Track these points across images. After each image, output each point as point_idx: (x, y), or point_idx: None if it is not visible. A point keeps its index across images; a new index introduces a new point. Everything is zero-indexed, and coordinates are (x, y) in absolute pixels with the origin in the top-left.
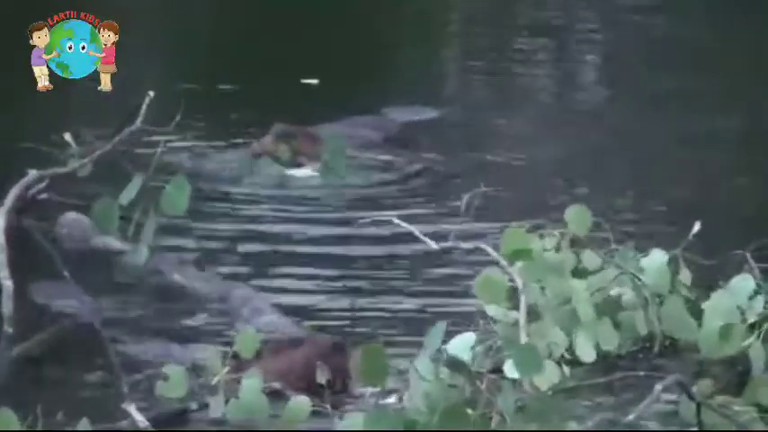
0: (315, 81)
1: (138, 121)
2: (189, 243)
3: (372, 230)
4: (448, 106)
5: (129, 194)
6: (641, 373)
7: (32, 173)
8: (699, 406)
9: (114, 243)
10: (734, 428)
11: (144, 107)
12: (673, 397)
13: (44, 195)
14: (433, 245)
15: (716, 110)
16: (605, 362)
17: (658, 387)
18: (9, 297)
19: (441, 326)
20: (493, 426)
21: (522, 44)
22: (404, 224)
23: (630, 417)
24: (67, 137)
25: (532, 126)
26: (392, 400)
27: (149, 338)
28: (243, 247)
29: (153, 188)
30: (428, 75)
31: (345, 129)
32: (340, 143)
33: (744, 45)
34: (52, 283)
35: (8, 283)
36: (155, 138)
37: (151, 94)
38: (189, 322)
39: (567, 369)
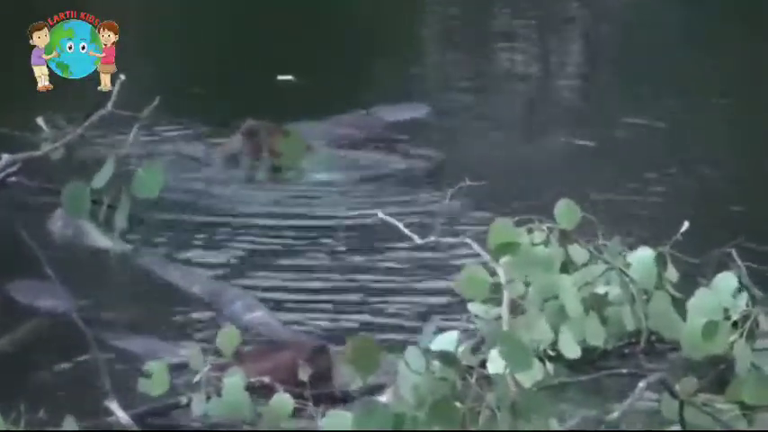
0: (290, 78)
1: (110, 105)
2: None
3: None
4: (433, 102)
5: (102, 178)
6: (624, 371)
7: (5, 157)
8: (682, 404)
9: (102, 241)
10: (717, 427)
11: (116, 91)
12: (656, 396)
13: (14, 179)
14: (417, 239)
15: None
16: (590, 359)
17: (642, 385)
18: None
19: (434, 320)
20: (481, 421)
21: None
22: (389, 219)
23: (614, 414)
24: (40, 121)
25: (516, 118)
26: (385, 398)
27: (137, 335)
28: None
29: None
30: (412, 71)
31: (327, 127)
32: (298, 139)
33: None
34: (28, 280)
35: None
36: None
37: (122, 77)
38: (178, 320)
39: (550, 366)
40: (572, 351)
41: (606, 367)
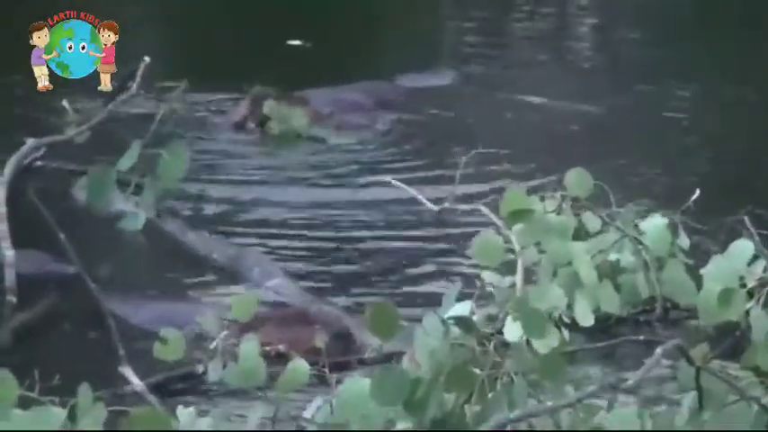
0: (301, 42)
1: (134, 87)
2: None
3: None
4: (451, 70)
5: (127, 161)
6: (641, 338)
7: (30, 141)
8: (698, 370)
9: (128, 207)
10: (733, 394)
11: (139, 73)
12: (670, 362)
13: (40, 163)
14: (432, 207)
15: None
16: (604, 326)
17: (658, 351)
18: (11, 266)
19: (455, 288)
20: (499, 387)
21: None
22: (403, 186)
23: (630, 381)
24: (65, 103)
25: (533, 86)
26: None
27: (153, 302)
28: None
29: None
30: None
31: (335, 93)
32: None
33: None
34: (33, 250)
35: (10, 253)
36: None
37: (147, 59)
38: (195, 286)
39: (566, 333)
40: (586, 318)
41: (621, 334)
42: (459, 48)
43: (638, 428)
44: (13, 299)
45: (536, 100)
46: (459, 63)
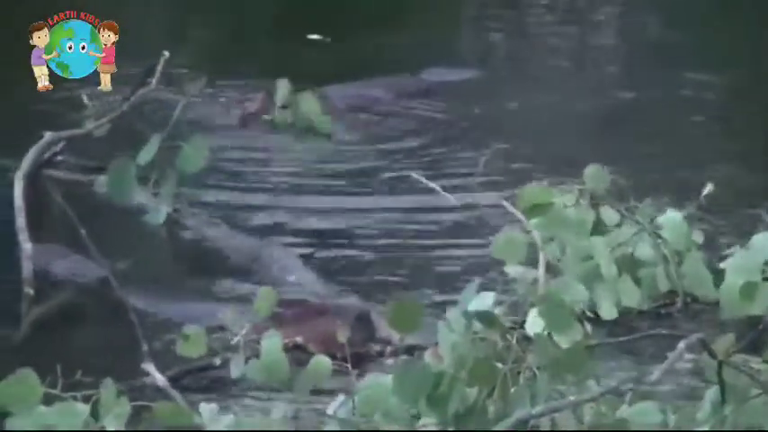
0: (320, 37)
1: (154, 82)
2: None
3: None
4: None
5: (147, 154)
6: (663, 332)
7: (48, 135)
8: (720, 364)
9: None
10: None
11: (159, 68)
12: (691, 356)
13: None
14: (454, 200)
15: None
16: (626, 320)
17: (681, 345)
18: (28, 259)
19: (476, 282)
20: (521, 381)
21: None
22: (424, 180)
23: (654, 375)
24: (84, 97)
25: (551, 82)
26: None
27: (175, 298)
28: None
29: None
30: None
31: (354, 88)
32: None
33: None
34: (54, 246)
35: (27, 246)
36: None
37: (166, 54)
38: (217, 280)
39: (588, 327)
40: (609, 312)
41: (642, 328)
42: (480, 41)
43: (660, 423)
44: (30, 291)
45: (557, 94)
46: (482, 56)
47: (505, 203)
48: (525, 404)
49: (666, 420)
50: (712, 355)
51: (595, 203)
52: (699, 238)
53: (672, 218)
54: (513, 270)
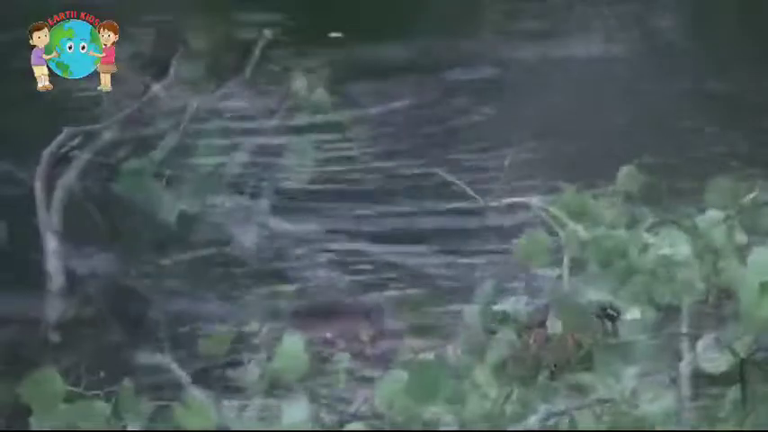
0: (340, 35)
1: (172, 73)
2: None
3: None
4: (501, 61)
5: (163, 149)
6: (685, 331)
7: (66, 130)
8: (742, 362)
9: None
10: None
11: (174, 62)
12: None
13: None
14: (480, 199)
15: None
16: (656, 318)
17: (701, 344)
18: (54, 255)
19: (492, 281)
20: (540, 380)
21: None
22: (449, 177)
23: (674, 375)
24: (102, 90)
25: (578, 79)
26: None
27: (196, 296)
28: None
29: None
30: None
31: (371, 86)
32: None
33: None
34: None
35: (52, 243)
36: None
37: (181, 49)
38: (235, 278)
39: (612, 325)
40: (635, 311)
41: (672, 327)
42: (504, 38)
43: (680, 422)
44: (53, 290)
45: (583, 93)
46: (505, 53)
47: (533, 201)
48: (544, 403)
49: (687, 419)
50: (734, 353)
51: (630, 202)
52: (743, 238)
53: (709, 218)
54: (537, 271)
